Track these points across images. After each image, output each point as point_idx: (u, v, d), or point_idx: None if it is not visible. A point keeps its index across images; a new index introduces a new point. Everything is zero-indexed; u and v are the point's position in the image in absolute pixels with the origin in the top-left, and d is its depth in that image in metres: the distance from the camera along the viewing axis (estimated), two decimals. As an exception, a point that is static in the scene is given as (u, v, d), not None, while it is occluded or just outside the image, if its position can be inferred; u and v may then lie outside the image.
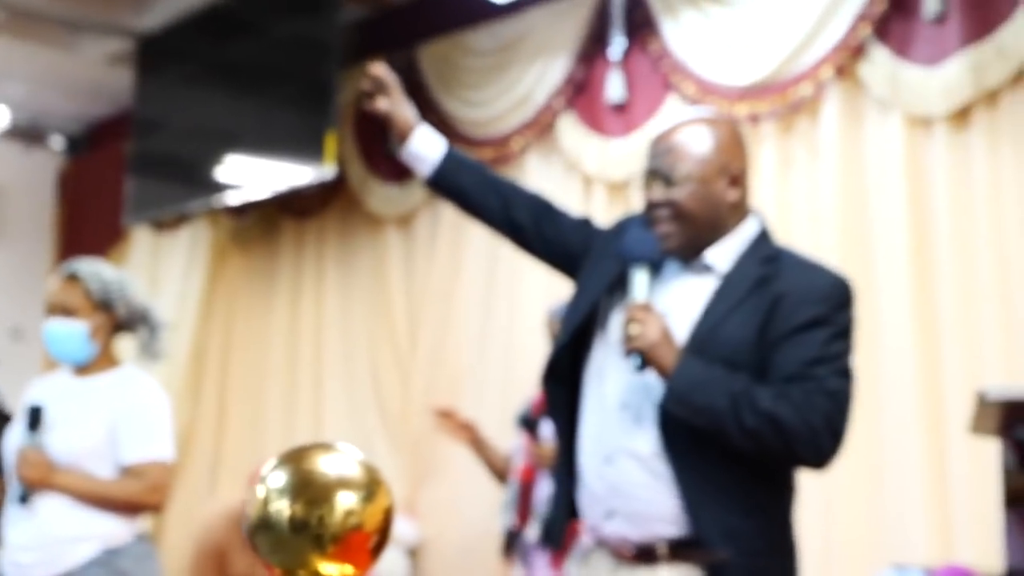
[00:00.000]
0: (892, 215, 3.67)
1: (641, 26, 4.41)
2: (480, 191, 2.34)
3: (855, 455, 3.53)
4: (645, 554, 2.07)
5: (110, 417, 2.87)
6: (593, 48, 4.57)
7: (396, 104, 2.34)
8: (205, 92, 5.79)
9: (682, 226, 2.09)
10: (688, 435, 2.02)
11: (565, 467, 2.23)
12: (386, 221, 5.35)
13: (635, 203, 3.78)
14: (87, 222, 7.14)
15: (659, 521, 2.05)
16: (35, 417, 2.85)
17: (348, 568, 0.81)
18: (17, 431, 2.91)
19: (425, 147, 2.35)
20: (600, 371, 2.17)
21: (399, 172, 5.18)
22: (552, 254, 2.35)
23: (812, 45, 3.87)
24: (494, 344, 4.78)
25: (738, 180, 2.13)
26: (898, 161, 3.68)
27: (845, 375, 2.05)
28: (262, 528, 0.80)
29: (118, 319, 3.02)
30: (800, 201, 3.94)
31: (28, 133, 7.25)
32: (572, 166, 4.61)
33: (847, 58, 3.79)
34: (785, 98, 3.95)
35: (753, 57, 4.03)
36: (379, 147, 5.17)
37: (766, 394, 1.98)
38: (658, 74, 4.34)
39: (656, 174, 2.11)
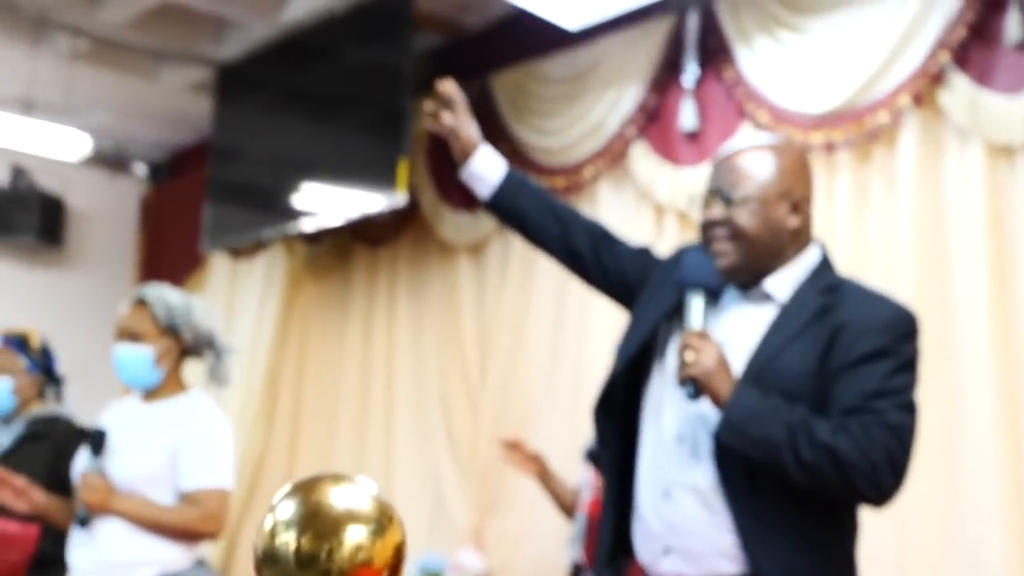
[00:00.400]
0: (972, 247, 3.56)
1: (715, 53, 4.36)
2: (539, 215, 2.32)
3: (931, 487, 3.43)
4: (702, 593, 2.01)
5: (171, 443, 2.88)
6: (666, 76, 4.52)
7: (461, 122, 2.34)
8: (282, 120, 5.85)
9: (739, 246, 2.05)
10: (744, 468, 1.96)
11: (614, 502, 2.18)
12: (458, 249, 5.34)
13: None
14: (168, 248, 7.25)
15: (717, 558, 1.99)
16: (98, 441, 2.87)
17: (356, 605, 0.78)
18: (83, 455, 2.93)
19: (486, 167, 2.34)
20: (657, 403, 2.12)
21: (471, 200, 5.14)
22: (609, 283, 2.32)
23: (889, 72, 3.79)
24: (563, 375, 4.74)
25: (800, 207, 2.08)
26: (978, 191, 3.56)
27: (908, 409, 1.96)
28: (268, 561, 0.77)
29: (184, 344, 3.03)
30: (877, 233, 3.84)
31: (113, 160, 7.40)
32: (644, 195, 4.55)
33: (925, 86, 3.70)
34: (861, 126, 3.86)
35: (828, 85, 3.95)
36: (451, 175, 5.15)
37: (825, 426, 1.91)
38: (732, 102, 4.28)
39: (716, 194, 2.08)
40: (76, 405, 3.81)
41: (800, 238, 2.09)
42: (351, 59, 5.42)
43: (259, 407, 6.14)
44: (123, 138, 7.28)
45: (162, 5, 5.48)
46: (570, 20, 4.46)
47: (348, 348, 5.89)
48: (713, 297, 2.09)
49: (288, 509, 0.76)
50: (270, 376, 6.20)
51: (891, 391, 1.94)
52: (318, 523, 0.75)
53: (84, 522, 2.84)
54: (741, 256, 2.05)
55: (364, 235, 5.81)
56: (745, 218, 2.04)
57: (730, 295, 2.12)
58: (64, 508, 3.16)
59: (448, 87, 2.35)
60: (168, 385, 3.02)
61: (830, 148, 3.94)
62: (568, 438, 4.39)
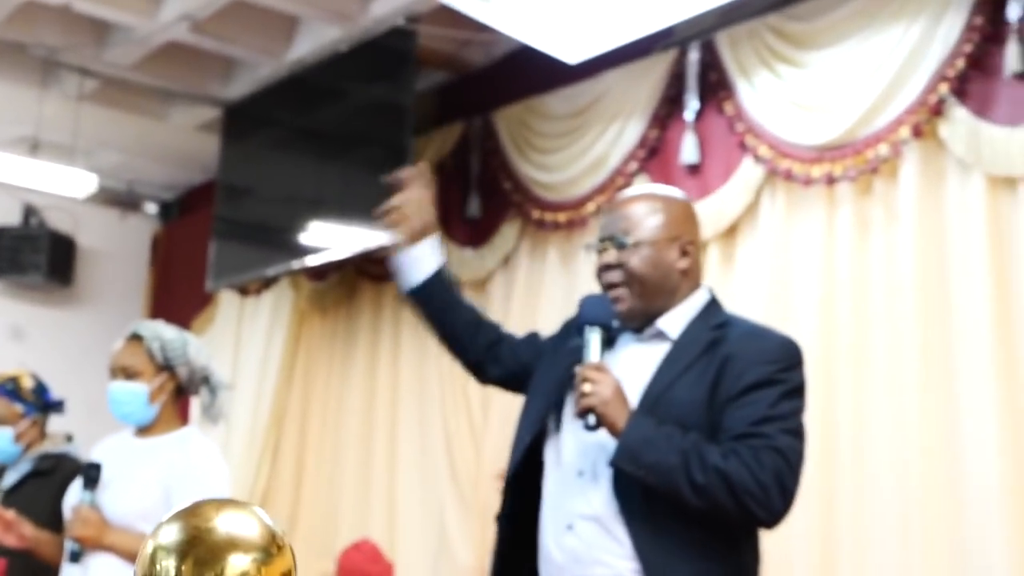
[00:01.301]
0: (973, 278, 3.51)
1: (716, 87, 4.34)
2: (459, 309, 2.46)
3: (936, 517, 3.39)
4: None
5: (164, 479, 2.85)
6: (667, 110, 4.51)
7: (422, 205, 2.52)
8: (287, 157, 5.87)
9: (633, 288, 2.16)
10: (642, 494, 2.03)
11: (516, 549, 2.22)
12: (461, 285, 5.30)
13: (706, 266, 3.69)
14: (177, 286, 7.26)
15: None
16: (92, 475, 2.85)
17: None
18: (75, 488, 2.91)
19: (429, 255, 2.49)
20: (557, 446, 2.18)
21: (473, 236, 5.16)
22: (507, 372, 2.42)
23: (888, 105, 3.76)
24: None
25: (688, 250, 2.20)
26: (980, 223, 3.52)
27: (795, 434, 2.06)
28: (147, 589, 0.74)
29: (179, 381, 3.01)
30: (878, 264, 3.80)
31: (123, 200, 7.43)
32: (645, 229, 4.52)
33: (925, 118, 3.66)
34: (862, 159, 3.83)
35: (828, 118, 3.93)
36: (454, 212, 5.17)
37: (716, 451, 1.99)
38: (733, 135, 4.26)
39: (610, 240, 2.19)
40: (86, 443, 3.78)
41: (690, 279, 2.21)
42: (355, 97, 5.43)
43: (264, 443, 6.12)
44: (132, 178, 7.30)
45: (169, 45, 5.52)
46: (571, 54, 4.45)
47: (353, 384, 5.87)
48: (610, 340, 2.18)
49: (169, 534, 0.74)
50: (276, 412, 6.18)
51: (778, 417, 2.03)
52: (200, 550, 0.72)
53: (76, 557, 2.81)
54: (636, 299, 2.16)
55: (369, 271, 5.80)
56: (637, 261, 2.16)
57: (625, 337, 2.22)
58: (56, 543, 3.13)
59: (422, 168, 2.46)
60: (162, 421, 3.00)
61: (831, 180, 3.92)
62: (570, 475, 4.34)
